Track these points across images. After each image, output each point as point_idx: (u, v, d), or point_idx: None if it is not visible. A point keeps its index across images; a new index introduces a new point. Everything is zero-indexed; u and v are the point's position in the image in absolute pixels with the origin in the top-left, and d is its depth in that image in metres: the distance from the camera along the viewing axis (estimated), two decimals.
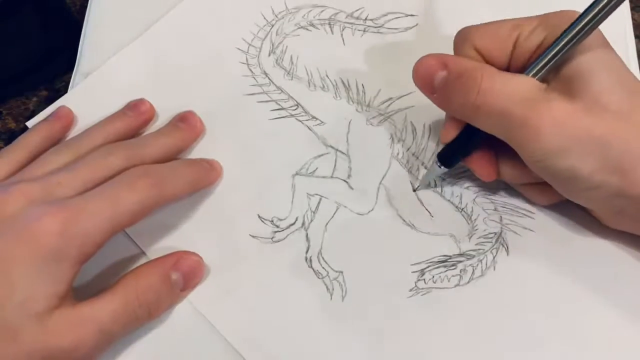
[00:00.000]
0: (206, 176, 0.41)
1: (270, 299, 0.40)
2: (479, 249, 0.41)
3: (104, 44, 0.47)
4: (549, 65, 0.34)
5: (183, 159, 0.42)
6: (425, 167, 0.43)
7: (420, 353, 0.38)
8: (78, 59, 0.47)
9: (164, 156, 0.39)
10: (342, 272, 0.40)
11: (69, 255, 0.32)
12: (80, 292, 0.34)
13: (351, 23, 0.48)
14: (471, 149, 0.39)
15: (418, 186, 0.43)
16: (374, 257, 0.41)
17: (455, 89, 0.35)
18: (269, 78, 0.46)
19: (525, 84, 0.33)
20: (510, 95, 0.34)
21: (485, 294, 0.40)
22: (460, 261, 0.41)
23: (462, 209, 0.42)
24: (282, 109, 0.45)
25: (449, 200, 0.42)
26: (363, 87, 0.46)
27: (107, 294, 0.34)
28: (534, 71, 0.35)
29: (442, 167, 0.40)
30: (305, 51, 0.47)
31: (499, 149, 0.38)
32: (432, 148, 0.44)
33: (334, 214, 0.42)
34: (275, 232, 0.41)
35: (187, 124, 0.42)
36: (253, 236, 0.41)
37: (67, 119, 0.42)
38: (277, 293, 0.40)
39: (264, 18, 0.49)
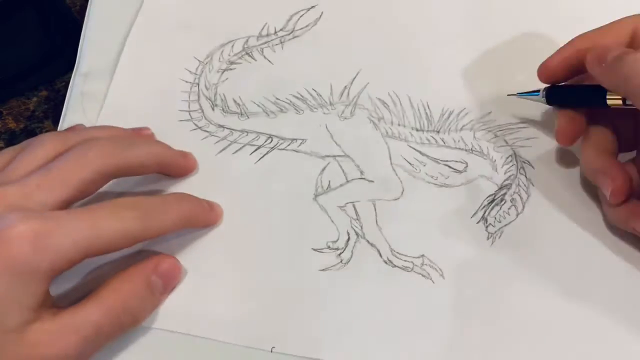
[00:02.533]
0: (203, 216, 0.39)
1: (381, 316, 0.38)
2: (510, 175, 0.41)
3: (104, 44, 0.46)
4: None
5: (179, 193, 0.39)
6: (417, 129, 0.43)
7: (526, 293, 0.38)
8: (78, 59, 0.46)
9: (150, 163, 0.38)
10: (423, 255, 0.38)
11: (40, 269, 0.30)
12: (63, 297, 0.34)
13: (265, 42, 0.47)
14: (581, 104, 0.39)
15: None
16: (438, 227, 0.40)
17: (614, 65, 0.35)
18: (227, 128, 0.43)
19: None
20: None
21: (542, 210, 0.41)
22: (505, 193, 0.41)
23: (472, 149, 0.42)
24: (259, 147, 0.43)
25: (457, 148, 0.42)
26: (315, 90, 0.44)
27: (90, 302, 0.32)
28: None
29: (544, 98, 0.40)
30: (242, 88, 0.45)
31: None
32: (410, 111, 0.44)
33: (376, 210, 0.40)
34: (340, 254, 0.38)
35: (182, 153, 0.41)
36: (323, 270, 0.38)
37: None
38: (384, 309, 0.38)
39: (186, 82, 0.46)
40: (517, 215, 0.40)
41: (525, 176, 0.41)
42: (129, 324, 0.34)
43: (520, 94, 0.42)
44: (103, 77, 0.46)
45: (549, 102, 0.40)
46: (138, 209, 0.34)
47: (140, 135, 0.41)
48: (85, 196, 0.35)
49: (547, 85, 0.40)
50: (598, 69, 0.36)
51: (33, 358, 0.30)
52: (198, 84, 0.45)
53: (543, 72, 0.39)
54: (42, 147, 0.35)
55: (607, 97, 0.36)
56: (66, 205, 0.33)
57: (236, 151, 0.43)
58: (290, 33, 0.47)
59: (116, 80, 0.45)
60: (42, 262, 0.30)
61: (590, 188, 0.40)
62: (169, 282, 0.37)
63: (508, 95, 0.42)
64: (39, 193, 0.32)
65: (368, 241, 0.39)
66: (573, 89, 0.39)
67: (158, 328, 0.37)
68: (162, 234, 0.36)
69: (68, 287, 0.37)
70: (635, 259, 0.38)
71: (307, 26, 0.47)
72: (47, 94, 0.48)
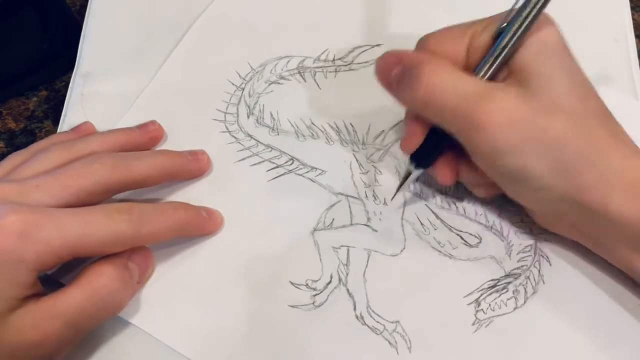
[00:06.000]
0: (200, 224, 0.38)
1: None
2: (522, 265, 0.39)
3: (104, 44, 0.47)
4: (497, 62, 0.34)
5: (177, 202, 0.39)
6: (440, 192, 0.42)
7: None
8: (78, 59, 0.46)
9: (154, 175, 0.38)
10: (398, 321, 0.36)
11: (26, 260, 0.30)
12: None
13: (320, 67, 0.46)
14: (442, 147, 0.37)
15: (394, 195, 0.41)
16: (425, 298, 0.38)
17: (405, 83, 0.34)
18: (254, 139, 0.43)
19: (473, 82, 0.33)
20: (457, 91, 0.33)
21: (545, 310, 0.38)
22: (510, 282, 0.38)
23: (492, 227, 0.40)
24: (278, 166, 0.42)
25: (476, 221, 0.40)
26: (352, 126, 0.43)
27: (73, 286, 0.32)
28: (484, 70, 0.34)
29: (419, 168, 0.38)
30: (283, 104, 0.45)
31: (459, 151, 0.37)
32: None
33: (367, 261, 0.38)
34: (315, 295, 0.37)
35: (194, 157, 0.41)
36: (293, 306, 0.37)
37: (87, 133, 0.41)
38: None
39: (233, 84, 0.46)
40: (515, 309, 0.38)
41: (539, 271, 0.38)
42: (112, 308, 0.34)
43: (397, 190, 0.40)
44: (103, 77, 0.46)
45: (424, 166, 0.38)
46: (131, 213, 0.34)
47: (147, 131, 0.42)
48: (83, 205, 0.34)
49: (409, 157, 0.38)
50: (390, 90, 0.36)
51: (16, 343, 0.30)
52: (243, 89, 0.45)
53: (405, 149, 0.38)
54: (47, 154, 0.36)
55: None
56: (64, 207, 0.33)
57: (255, 164, 0.43)
58: (348, 65, 0.46)
59: (166, 65, 0.46)
60: (27, 253, 0.30)
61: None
62: (144, 270, 0.37)
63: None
64: (37, 192, 0.33)
65: (348, 290, 0.38)
66: (428, 144, 0.37)
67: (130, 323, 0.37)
68: (154, 241, 0.37)
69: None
70: None
71: (366, 62, 0.47)
72: (47, 94, 0.48)
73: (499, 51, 0.33)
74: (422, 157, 0.38)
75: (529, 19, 0.33)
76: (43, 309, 0.31)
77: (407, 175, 0.38)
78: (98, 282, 0.33)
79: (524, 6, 0.33)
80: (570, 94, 0.32)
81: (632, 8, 0.48)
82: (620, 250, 0.34)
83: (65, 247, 0.31)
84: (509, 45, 0.33)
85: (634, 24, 0.48)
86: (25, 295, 0.31)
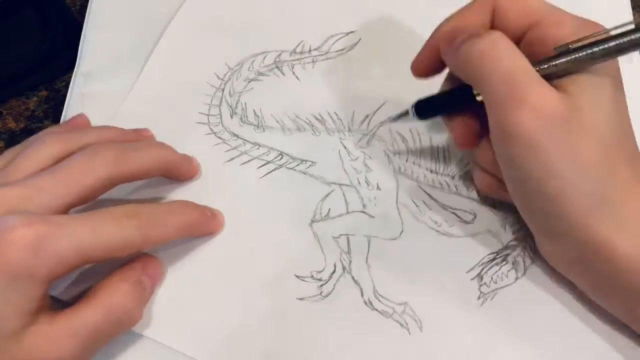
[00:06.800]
0: (205, 224, 0.38)
1: (349, 357, 0.36)
2: (518, 236, 0.39)
3: (104, 44, 0.47)
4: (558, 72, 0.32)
5: (182, 201, 0.38)
6: (431, 171, 0.41)
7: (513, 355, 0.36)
8: (78, 59, 0.46)
9: (153, 168, 0.37)
10: (406, 302, 0.37)
11: (38, 274, 0.29)
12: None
13: (297, 59, 0.46)
14: (452, 108, 0.37)
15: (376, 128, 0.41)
16: (429, 277, 0.38)
17: (470, 41, 0.33)
18: (241, 138, 0.43)
19: (531, 67, 0.32)
20: (518, 60, 0.32)
21: (545, 277, 0.38)
22: (508, 254, 0.39)
23: (485, 202, 0.40)
24: (268, 162, 0.42)
25: (469, 197, 0.41)
26: (336, 114, 0.44)
27: (88, 303, 0.32)
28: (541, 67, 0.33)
29: (415, 117, 0.37)
30: (265, 100, 0.45)
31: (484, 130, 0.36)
32: (428, 151, 0.43)
33: (369, 247, 0.39)
34: (321, 285, 0.37)
35: (186, 158, 0.41)
36: (301, 299, 0.37)
37: (82, 126, 0.40)
38: (352, 350, 0.36)
39: (212, 86, 0.45)
40: (516, 279, 0.38)
41: (534, 241, 0.38)
42: (126, 324, 0.34)
43: (391, 120, 0.40)
44: (103, 77, 0.46)
45: (420, 117, 0.37)
46: (139, 218, 0.33)
47: (142, 136, 0.41)
48: (87, 201, 0.34)
49: (415, 102, 0.37)
50: (448, 57, 0.35)
51: None
52: (223, 90, 0.45)
53: (415, 68, 0.38)
54: (42, 145, 0.35)
55: (475, 93, 0.34)
56: (67, 209, 0.33)
57: (244, 163, 0.42)
58: (324, 54, 0.46)
59: (144, 74, 0.45)
60: (40, 268, 0.30)
61: None
62: (155, 281, 0.37)
63: (380, 123, 0.41)
64: (41, 196, 0.32)
65: (353, 277, 0.38)
66: (439, 97, 0.37)
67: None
68: (163, 243, 0.36)
69: (63, 286, 0.37)
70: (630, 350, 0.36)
71: (342, 50, 0.47)
72: (47, 93, 0.48)
73: (563, 66, 0.32)
74: (425, 108, 0.38)
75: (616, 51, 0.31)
76: (58, 328, 0.31)
77: (401, 114, 0.39)
78: (113, 300, 0.33)
79: (620, 36, 0.31)
80: (612, 127, 0.31)
81: (632, 8, 0.48)
82: (618, 296, 0.33)
83: (77, 258, 0.31)
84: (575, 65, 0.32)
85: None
86: (36, 308, 0.30)
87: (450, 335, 0.36)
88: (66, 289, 0.37)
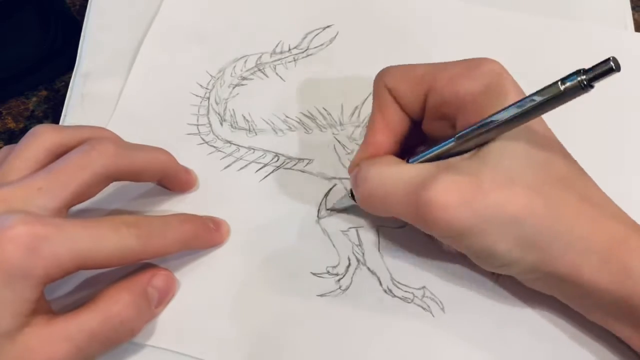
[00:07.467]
0: (207, 236, 0.38)
1: (378, 346, 0.36)
2: None
3: (104, 44, 0.47)
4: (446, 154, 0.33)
5: (183, 214, 0.37)
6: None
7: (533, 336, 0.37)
8: (78, 59, 0.46)
9: (152, 170, 0.37)
10: (424, 286, 0.37)
11: (34, 274, 0.29)
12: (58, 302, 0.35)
13: (279, 59, 0.46)
14: None
15: (325, 211, 0.41)
16: (442, 259, 0.39)
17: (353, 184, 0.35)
18: (234, 144, 0.43)
19: (416, 167, 0.32)
20: (399, 178, 0.33)
21: None
22: None
23: None
24: (265, 165, 0.42)
25: None
26: (325, 109, 0.44)
27: (86, 310, 0.32)
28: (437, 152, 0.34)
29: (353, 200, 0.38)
30: (253, 104, 0.45)
31: None
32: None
33: (379, 237, 0.39)
34: (339, 279, 0.37)
35: (185, 169, 0.41)
36: (321, 295, 0.37)
37: None
38: (382, 338, 0.37)
39: (196, 96, 0.45)
40: None
41: None
42: (124, 335, 0.33)
43: (339, 208, 0.41)
44: (103, 77, 0.46)
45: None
46: (138, 227, 0.33)
47: None
48: (86, 199, 0.34)
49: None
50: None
51: None
52: (208, 99, 0.45)
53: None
54: (37, 139, 0.35)
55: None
56: (65, 209, 0.33)
57: (241, 168, 0.42)
58: (305, 51, 0.47)
59: (126, 91, 0.45)
60: (35, 268, 0.29)
61: None
62: (164, 295, 0.36)
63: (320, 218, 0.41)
64: (40, 196, 0.32)
65: (369, 268, 0.38)
66: None
67: (151, 345, 0.36)
68: (162, 255, 0.35)
69: (63, 292, 0.37)
70: None
71: (321, 45, 0.47)
72: (47, 94, 0.48)
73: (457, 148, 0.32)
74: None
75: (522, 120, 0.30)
76: (53, 331, 0.30)
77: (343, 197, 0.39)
78: (112, 309, 0.32)
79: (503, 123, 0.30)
80: (528, 164, 0.30)
81: (632, 8, 0.49)
82: (596, 313, 0.33)
83: (73, 262, 0.30)
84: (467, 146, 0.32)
85: (634, 24, 0.48)
86: (31, 310, 0.30)
87: (472, 312, 0.37)
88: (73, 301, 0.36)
